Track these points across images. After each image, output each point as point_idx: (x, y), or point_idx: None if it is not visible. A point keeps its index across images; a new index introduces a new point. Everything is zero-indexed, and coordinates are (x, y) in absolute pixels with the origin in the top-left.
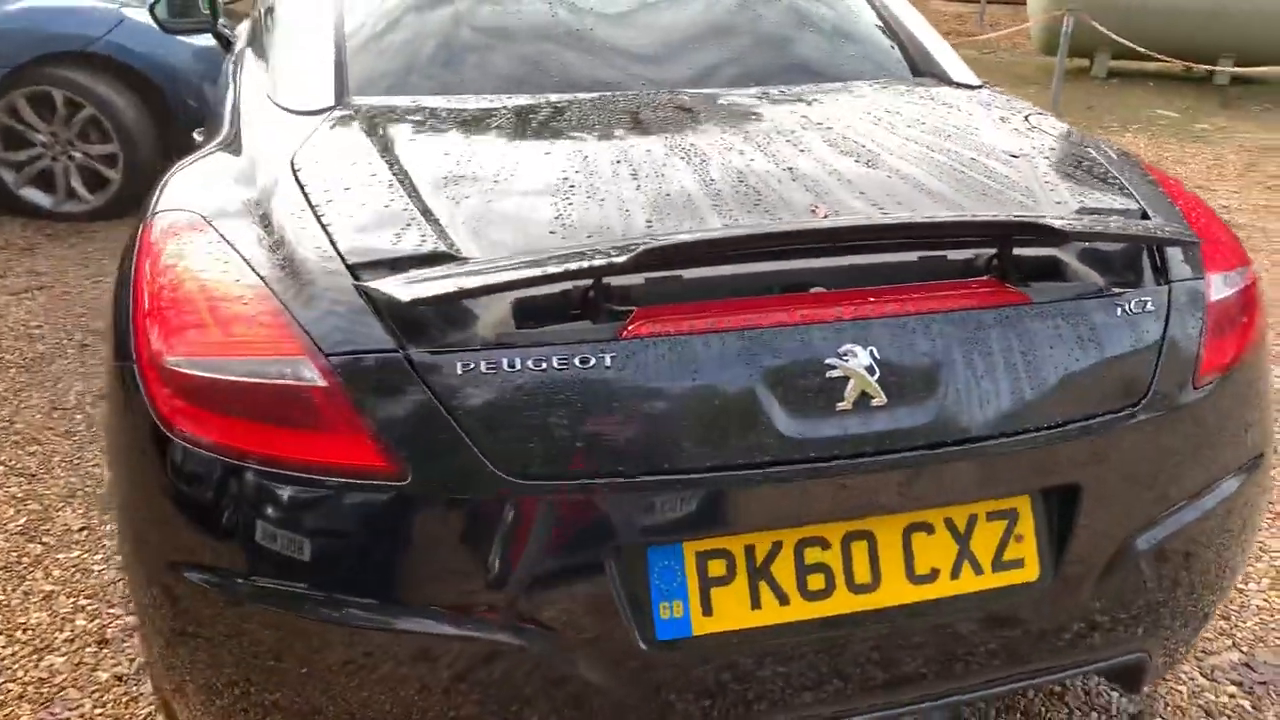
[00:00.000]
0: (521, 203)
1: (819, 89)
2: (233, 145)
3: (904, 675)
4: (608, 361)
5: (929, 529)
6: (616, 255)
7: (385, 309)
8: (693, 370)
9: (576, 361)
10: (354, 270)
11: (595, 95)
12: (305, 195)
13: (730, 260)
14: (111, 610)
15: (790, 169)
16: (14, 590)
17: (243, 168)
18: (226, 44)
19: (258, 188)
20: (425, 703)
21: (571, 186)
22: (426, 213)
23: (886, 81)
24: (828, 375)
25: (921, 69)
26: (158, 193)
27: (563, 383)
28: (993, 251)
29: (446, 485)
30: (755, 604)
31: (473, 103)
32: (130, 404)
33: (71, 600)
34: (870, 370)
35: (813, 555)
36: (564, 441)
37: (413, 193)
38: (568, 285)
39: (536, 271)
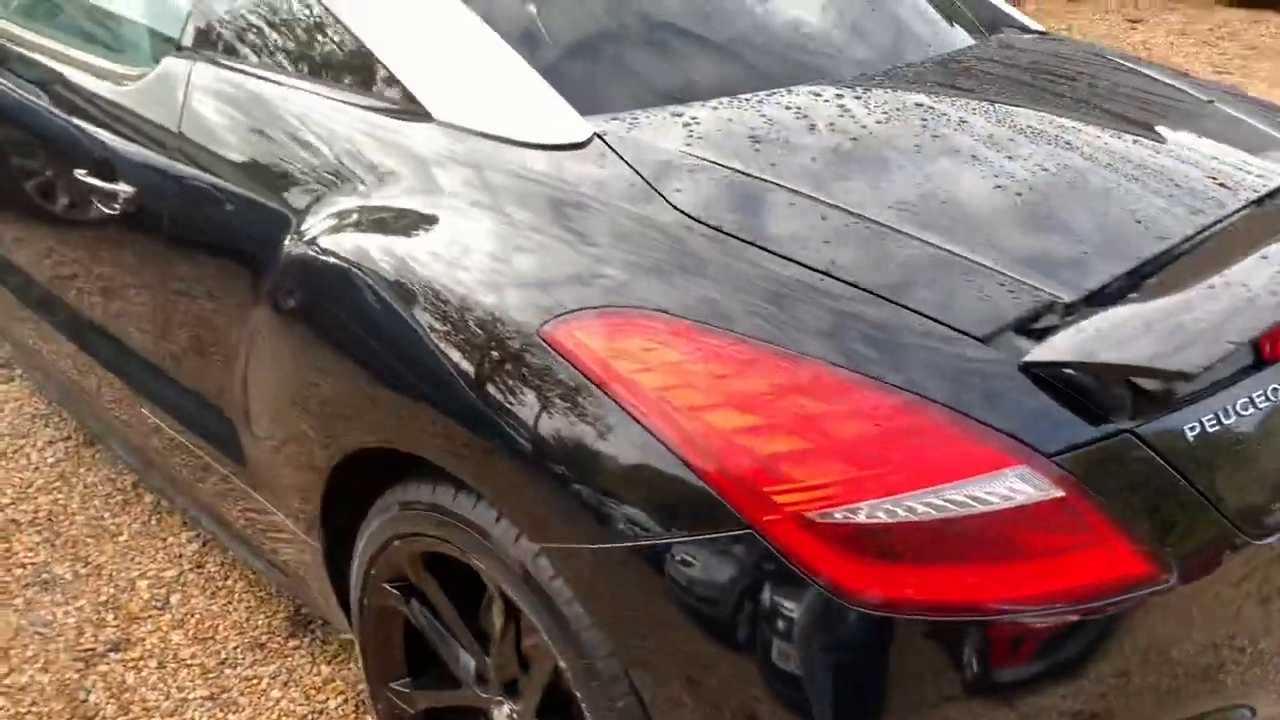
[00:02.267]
0: (1001, 219)
1: (1013, 45)
2: (432, 198)
3: None
4: None
5: None
6: None
7: (1083, 384)
8: None
9: (1269, 393)
10: (990, 343)
11: (835, 86)
12: (793, 260)
13: None
14: None
15: (1147, 141)
16: None
17: (561, 230)
18: None
19: (685, 263)
20: None
21: (1017, 191)
22: (951, 254)
23: (1007, 36)
24: None
25: (998, 23)
26: (431, 294)
27: (1267, 421)
28: None
29: (1209, 566)
30: None
31: (736, 106)
32: (760, 583)
33: None
34: None
35: None
36: None
37: (902, 230)
38: None
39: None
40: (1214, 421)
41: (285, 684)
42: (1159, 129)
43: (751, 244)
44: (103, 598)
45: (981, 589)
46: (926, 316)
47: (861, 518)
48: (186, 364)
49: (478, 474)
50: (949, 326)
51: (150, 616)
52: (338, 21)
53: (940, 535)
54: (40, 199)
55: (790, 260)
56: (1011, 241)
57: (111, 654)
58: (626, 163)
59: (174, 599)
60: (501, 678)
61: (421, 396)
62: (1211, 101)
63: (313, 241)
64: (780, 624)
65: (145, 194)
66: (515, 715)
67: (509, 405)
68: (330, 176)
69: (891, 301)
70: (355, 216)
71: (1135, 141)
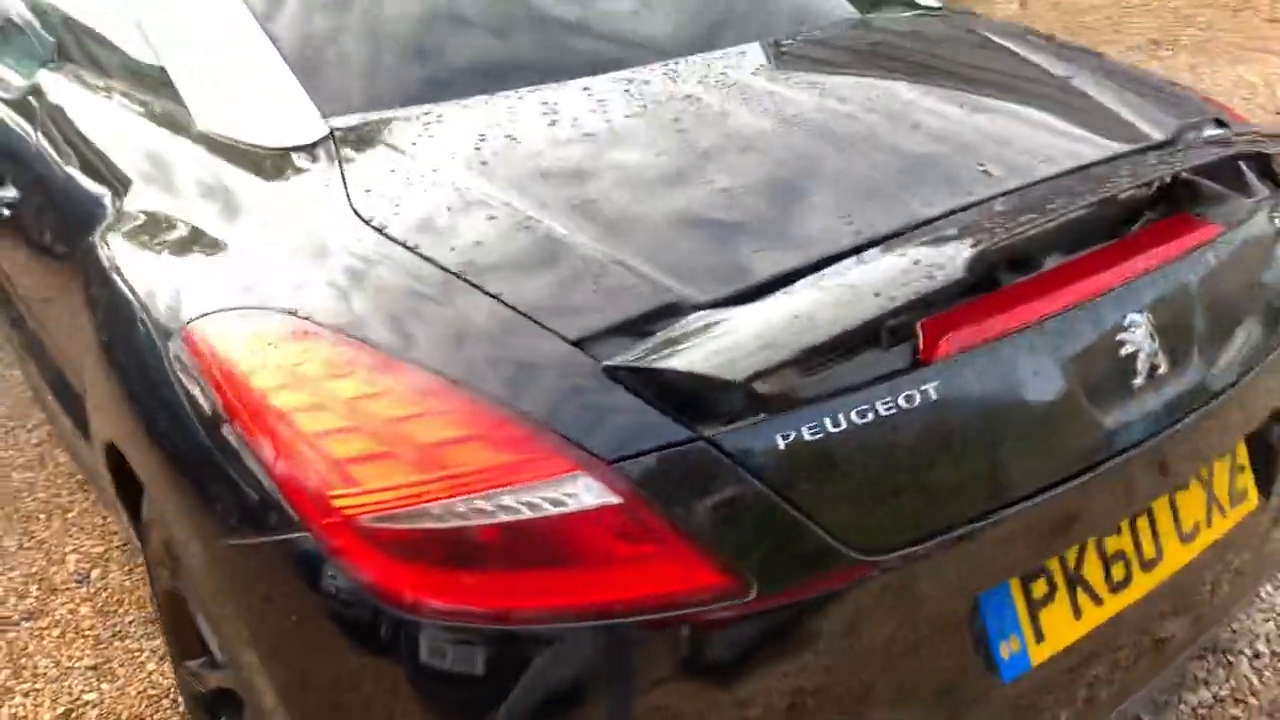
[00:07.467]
0: (688, 218)
1: (831, 34)
2: (177, 201)
3: (1173, 636)
4: (933, 394)
5: (1186, 485)
6: (943, 270)
7: (663, 389)
8: (1013, 381)
9: (901, 401)
10: (583, 346)
11: (617, 76)
12: (432, 261)
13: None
14: None
15: (907, 125)
16: None
17: (249, 231)
18: None
19: (330, 262)
20: None
21: (714, 187)
22: (602, 254)
23: (873, 16)
24: (1121, 352)
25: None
26: (131, 292)
27: (894, 429)
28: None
29: (800, 583)
30: (1076, 614)
31: (490, 103)
32: (315, 593)
33: None
34: (1151, 336)
35: (1112, 545)
36: (912, 497)
37: (567, 230)
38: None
39: (876, 307)
40: (815, 430)
41: (162, 658)
42: (957, 113)
43: (406, 247)
44: (34, 569)
45: (539, 595)
46: (548, 329)
47: (422, 524)
48: (50, 345)
49: (140, 463)
50: (560, 336)
51: (68, 589)
52: (145, 37)
53: (499, 541)
54: None
55: (431, 262)
56: (681, 241)
57: (24, 622)
58: (336, 163)
59: (94, 574)
60: None
61: (112, 388)
62: (1068, 78)
63: (98, 239)
64: (329, 627)
65: (21, 197)
66: None
67: (156, 400)
68: (117, 182)
69: (532, 320)
70: (115, 219)
71: (887, 121)
